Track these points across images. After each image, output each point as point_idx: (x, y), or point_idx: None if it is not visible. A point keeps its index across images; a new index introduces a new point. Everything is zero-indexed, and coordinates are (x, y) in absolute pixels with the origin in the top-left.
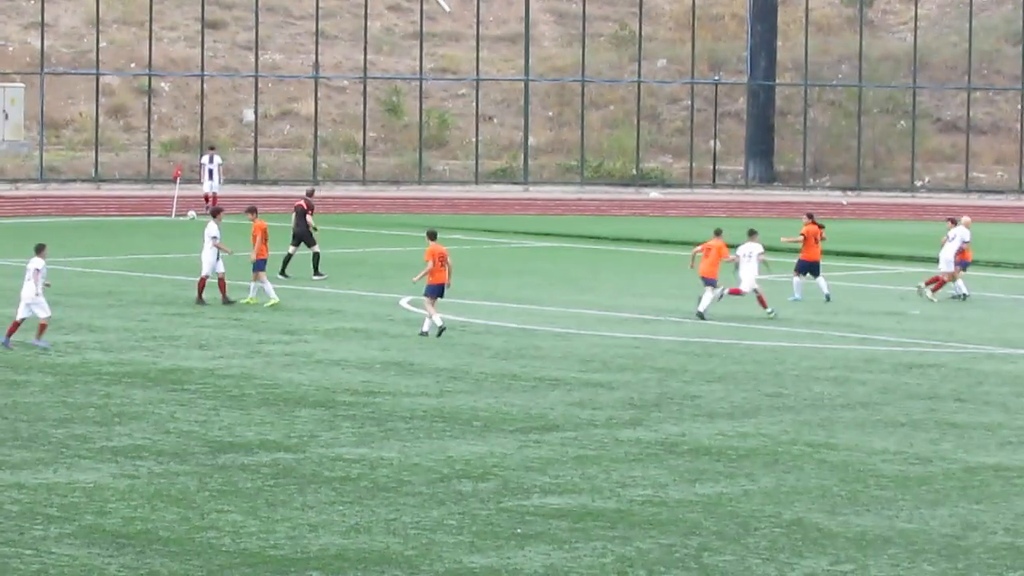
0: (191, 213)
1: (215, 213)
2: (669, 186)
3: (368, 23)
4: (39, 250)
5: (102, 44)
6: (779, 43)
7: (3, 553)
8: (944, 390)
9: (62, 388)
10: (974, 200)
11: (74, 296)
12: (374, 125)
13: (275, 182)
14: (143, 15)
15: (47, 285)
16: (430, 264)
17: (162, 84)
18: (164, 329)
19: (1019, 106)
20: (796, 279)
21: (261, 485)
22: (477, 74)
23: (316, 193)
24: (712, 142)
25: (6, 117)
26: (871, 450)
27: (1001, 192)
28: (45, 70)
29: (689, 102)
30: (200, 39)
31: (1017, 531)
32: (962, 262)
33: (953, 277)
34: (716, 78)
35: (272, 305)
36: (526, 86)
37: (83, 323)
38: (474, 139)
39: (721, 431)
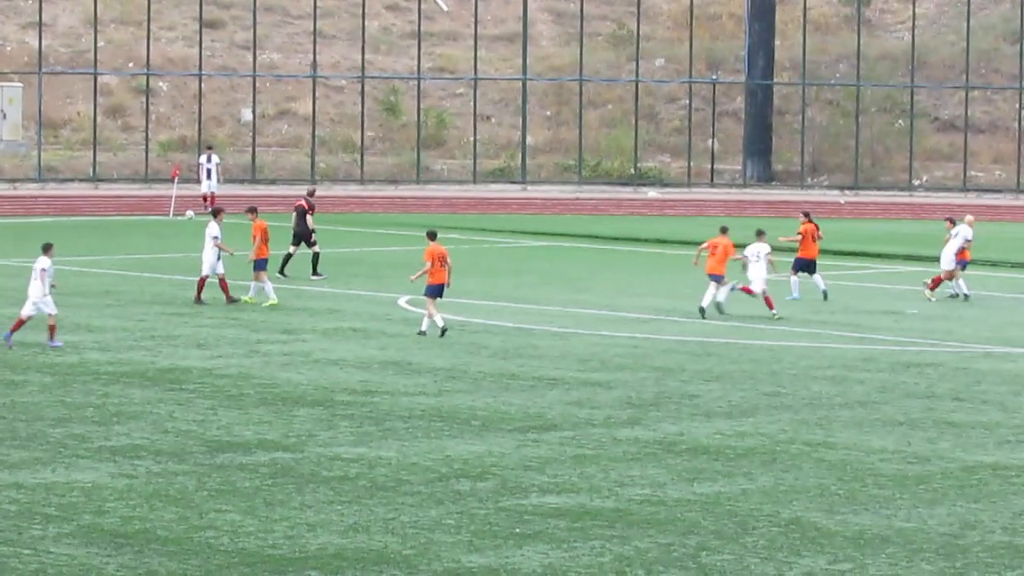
0: (189, 213)
1: (216, 213)
2: (667, 185)
3: (366, 22)
4: (46, 249)
5: (100, 44)
6: (777, 42)
7: (1, 553)
8: (942, 389)
9: (60, 388)
10: (972, 199)
11: (72, 296)
12: (372, 124)
13: (273, 182)
14: (141, 15)
15: (53, 286)
16: (428, 264)
17: (160, 84)
18: (162, 329)
19: (1017, 105)
20: (794, 278)
21: (259, 484)
22: (475, 73)
23: (315, 193)
24: (710, 141)
25: (4, 117)
26: (869, 449)
27: (999, 191)
28: (43, 70)
29: (687, 101)
30: (198, 39)
31: (1015, 530)
32: (961, 261)
33: (951, 275)
34: (714, 77)
35: (271, 305)
36: (524, 85)
37: (81, 323)
38: (472, 138)
39: (719, 430)
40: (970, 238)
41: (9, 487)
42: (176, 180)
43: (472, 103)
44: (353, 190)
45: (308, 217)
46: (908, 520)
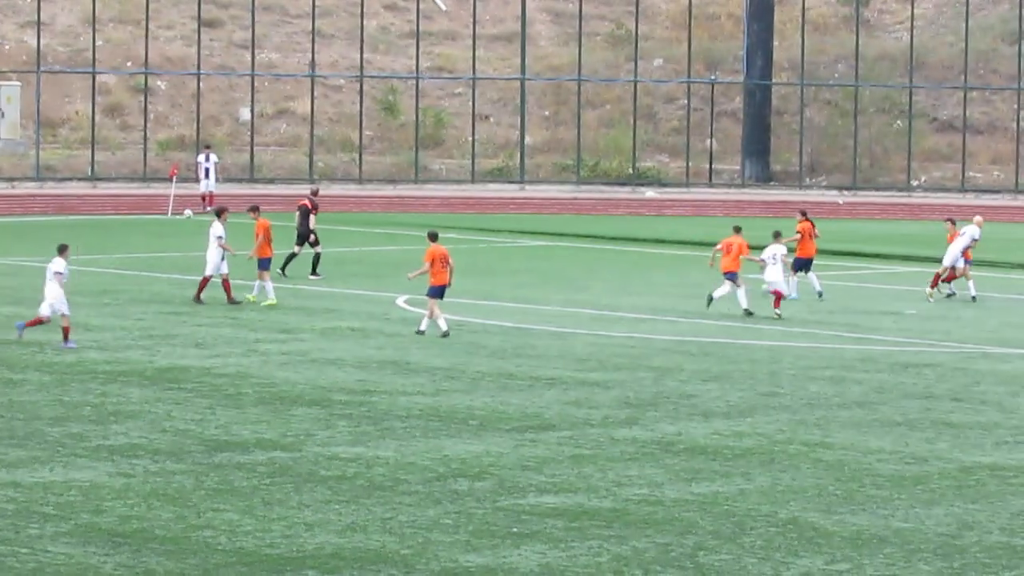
0: (187, 212)
1: (220, 212)
2: (665, 185)
3: (364, 22)
4: (61, 251)
5: (98, 43)
6: (775, 42)
7: None
8: (940, 389)
9: (58, 387)
10: (970, 200)
11: (70, 295)
12: (370, 124)
13: (271, 181)
14: (139, 14)
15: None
16: (426, 265)
17: (158, 83)
18: (160, 328)
19: (1015, 106)
20: (792, 278)
21: (257, 484)
22: (473, 73)
23: (319, 192)
24: (708, 141)
25: (2, 115)
26: (867, 449)
27: (997, 192)
28: (41, 68)
29: (685, 101)
30: (197, 38)
31: (1013, 530)
32: (964, 261)
33: (954, 276)
34: (712, 77)
35: (269, 305)
36: (522, 85)
37: (79, 322)
38: (470, 138)
39: (717, 430)
40: (977, 238)
41: (7, 486)
42: (174, 179)
43: (470, 103)
44: (351, 189)
45: (311, 216)
46: (906, 520)
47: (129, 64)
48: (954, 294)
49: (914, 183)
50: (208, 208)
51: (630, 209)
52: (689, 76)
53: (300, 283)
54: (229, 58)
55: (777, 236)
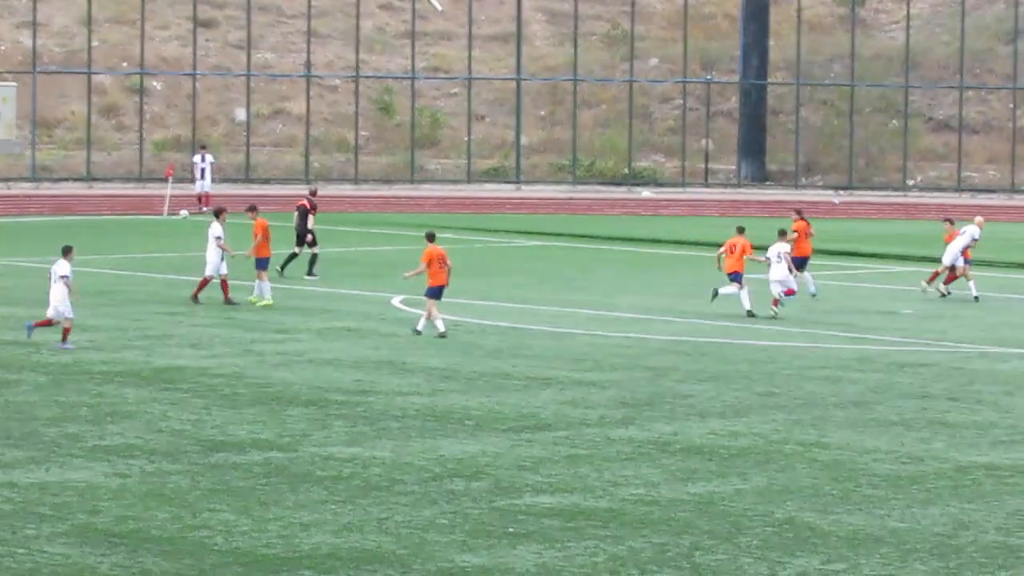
0: (183, 212)
1: (219, 213)
2: (661, 185)
3: (360, 22)
4: (66, 252)
5: (94, 43)
6: (771, 42)
7: None
8: (936, 389)
9: (54, 387)
10: (966, 199)
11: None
12: (366, 124)
13: (267, 181)
14: (135, 14)
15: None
16: (422, 265)
17: (154, 83)
18: (157, 328)
19: (1011, 105)
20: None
21: (253, 484)
22: (469, 73)
23: (317, 192)
24: (704, 141)
25: None
26: (863, 449)
27: (993, 191)
28: (37, 69)
29: (681, 101)
30: (192, 38)
31: (1008, 530)
32: (963, 260)
33: (954, 275)
34: (708, 77)
35: (265, 305)
36: (518, 85)
37: (75, 322)
38: (466, 138)
39: (713, 430)
40: (977, 238)
41: (3, 486)
42: (170, 179)
43: (466, 103)
44: (347, 190)
45: (310, 217)
46: (902, 520)
47: (125, 64)
48: (949, 294)
49: (910, 183)
50: (204, 208)
51: (626, 209)
52: (685, 76)
53: (296, 283)
54: (225, 58)
55: (782, 234)
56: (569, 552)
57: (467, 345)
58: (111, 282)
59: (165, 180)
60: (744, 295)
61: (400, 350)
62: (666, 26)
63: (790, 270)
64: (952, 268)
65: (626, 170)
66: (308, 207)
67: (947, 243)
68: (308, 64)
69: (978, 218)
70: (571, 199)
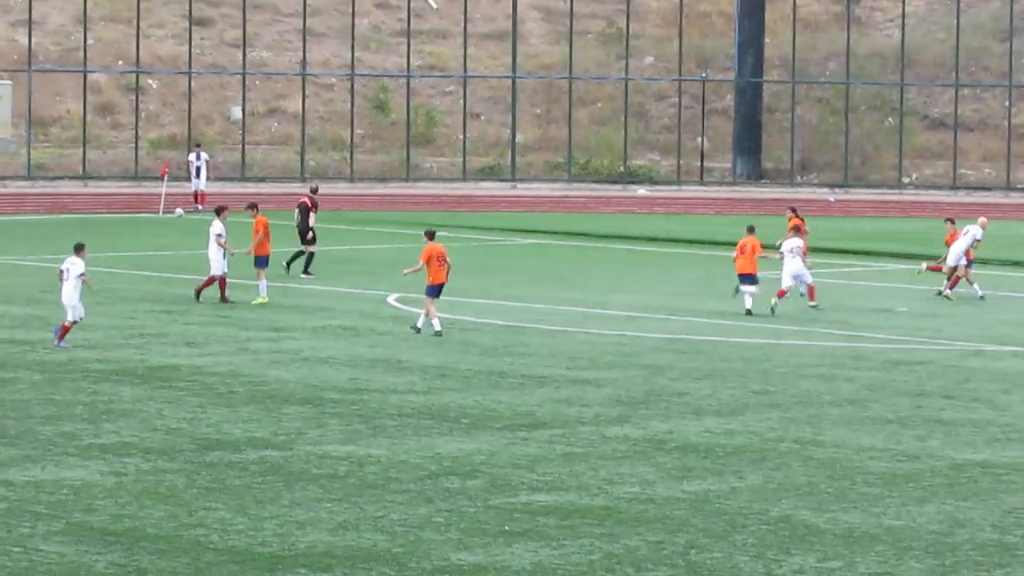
0: (179, 210)
1: (219, 211)
2: (657, 183)
3: (356, 20)
4: (78, 250)
5: (90, 41)
6: (766, 40)
7: None
8: (932, 387)
9: (50, 385)
10: (961, 197)
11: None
12: (362, 122)
13: (262, 179)
14: (131, 12)
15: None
16: (421, 263)
17: (149, 81)
18: (152, 326)
19: (1006, 103)
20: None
21: (249, 482)
22: (465, 71)
23: (318, 190)
24: (700, 139)
25: None
26: (858, 447)
27: (988, 189)
28: (33, 67)
29: (677, 99)
30: (188, 36)
31: (1004, 528)
32: (966, 261)
33: (954, 272)
34: (703, 75)
35: (260, 303)
36: (513, 83)
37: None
38: (462, 136)
39: (708, 428)
40: (979, 238)
41: None
42: (165, 178)
43: (462, 101)
44: (343, 188)
45: (311, 214)
46: (897, 518)
47: (120, 63)
48: (949, 299)
49: (905, 180)
50: (199, 207)
51: (621, 207)
52: (680, 74)
53: (292, 282)
54: (220, 57)
55: (795, 230)
56: (565, 550)
57: (462, 343)
58: (107, 280)
59: (160, 178)
60: (748, 296)
61: (396, 348)
62: (661, 24)
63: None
64: (953, 269)
65: (621, 168)
66: (309, 205)
67: (948, 244)
68: (304, 62)
69: (981, 219)
70: (567, 197)
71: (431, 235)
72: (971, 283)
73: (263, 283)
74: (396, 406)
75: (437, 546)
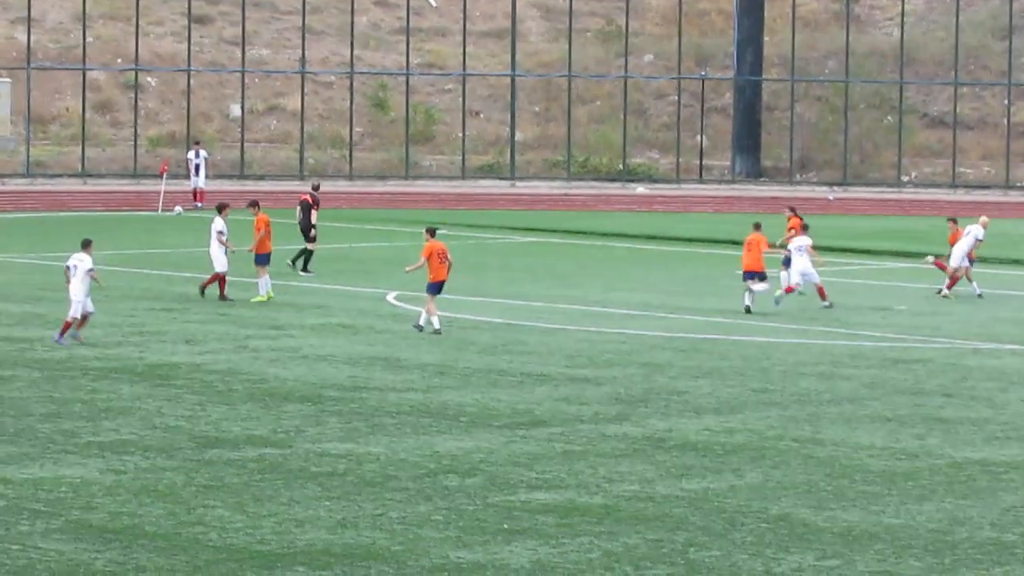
0: (178, 208)
1: (221, 208)
2: (656, 181)
3: (355, 18)
4: (86, 246)
5: (89, 39)
6: (766, 38)
7: None
8: (930, 385)
9: (48, 383)
10: (961, 195)
11: (60, 291)
12: (361, 120)
13: (261, 177)
14: (130, 10)
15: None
16: (422, 260)
17: (148, 79)
18: (151, 324)
19: (1005, 101)
20: (783, 273)
21: (248, 480)
22: (464, 69)
23: (320, 187)
24: (699, 137)
25: None
26: (857, 445)
27: (987, 187)
28: (32, 65)
29: (676, 97)
30: (187, 34)
31: (1003, 526)
32: (967, 260)
33: (958, 275)
34: (703, 73)
35: (259, 300)
36: (513, 81)
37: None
38: (461, 134)
39: (707, 426)
40: (981, 238)
41: None
42: (164, 175)
43: (461, 99)
44: (342, 186)
45: (313, 212)
46: (896, 516)
47: (119, 61)
48: (940, 289)
49: (904, 179)
50: (198, 204)
51: (620, 205)
52: (679, 72)
53: (291, 279)
54: (219, 54)
55: (805, 228)
56: (564, 548)
57: (461, 341)
58: (105, 278)
59: (159, 176)
60: (748, 293)
61: (394, 346)
62: (661, 22)
63: (786, 268)
64: (955, 269)
65: (621, 166)
66: (311, 202)
67: (951, 243)
68: (303, 60)
69: (983, 218)
70: (566, 195)
71: (432, 232)
72: (970, 281)
73: (262, 281)
74: (395, 404)
75: (436, 544)
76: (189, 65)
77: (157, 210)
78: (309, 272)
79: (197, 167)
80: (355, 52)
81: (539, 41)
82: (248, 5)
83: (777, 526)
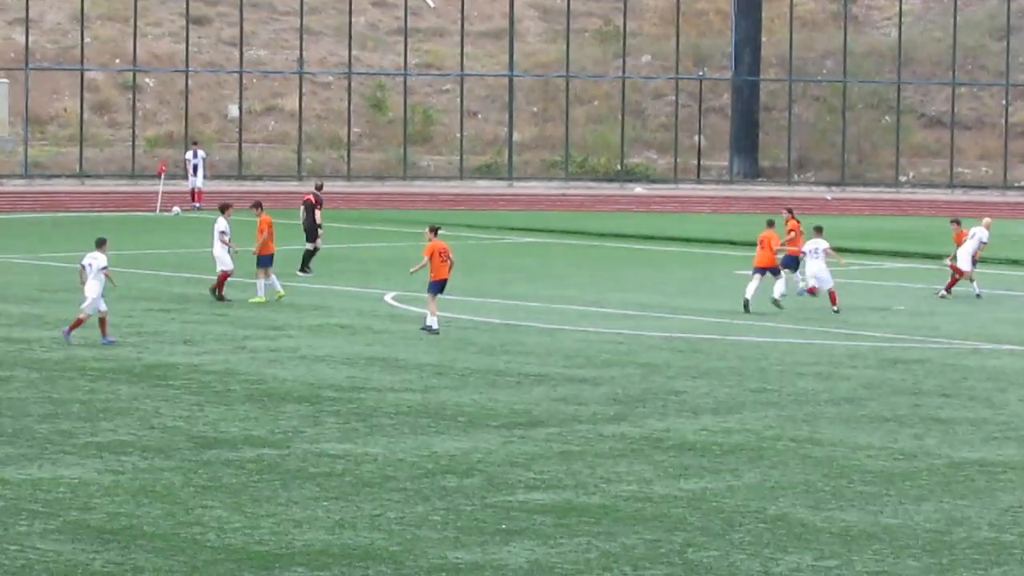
0: (176, 209)
1: (224, 208)
2: (653, 182)
3: (352, 19)
4: (100, 244)
5: (87, 40)
6: (763, 38)
7: None
8: (929, 385)
9: (47, 384)
10: (959, 196)
11: (59, 292)
12: (358, 121)
13: (259, 178)
14: (128, 11)
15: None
16: (425, 260)
17: (146, 80)
18: (149, 325)
19: (1003, 101)
20: (795, 275)
21: (246, 481)
22: (461, 70)
23: (323, 187)
24: (696, 138)
25: None
26: (855, 445)
27: (985, 188)
28: (30, 65)
29: (674, 98)
30: (185, 35)
31: (1001, 526)
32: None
33: (964, 275)
34: (700, 74)
35: (257, 301)
36: (510, 82)
37: (68, 318)
38: (458, 135)
39: (705, 427)
40: (985, 240)
41: None
42: (162, 176)
43: (459, 99)
44: (340, 186)
45: (316, 212)
46: (895, 516)
47: (117, 61)
48: (939, 290)
49: (902, 179)
50: (196, 205)
51: (618, 205)
52: (677, 72)
53: (289, 280)
54: (217, 55)
55: (818, 231)
56: (561, 549)
57: (459, 341)
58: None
59: (158, 176)
60: (751, 287)
61: (393, 347)
62: (658, 22)
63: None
64: (962, 272)
65: (618, 166)
66: (314, 202)
67: (956, 243)
68: (301, 61)
69: (986, 219)
70: (563, 195)
71: (435, 231)
72: (971, 281)
73: (261, 282)
74: (393, 404)
75: (434, 544)
76: (187, 66)
77: (155, 210)
78: (308, 271)
79: (195, 167)
80: (353, 52)
81: (537, 41)
82: (246, 6)
83: (775, 526)
